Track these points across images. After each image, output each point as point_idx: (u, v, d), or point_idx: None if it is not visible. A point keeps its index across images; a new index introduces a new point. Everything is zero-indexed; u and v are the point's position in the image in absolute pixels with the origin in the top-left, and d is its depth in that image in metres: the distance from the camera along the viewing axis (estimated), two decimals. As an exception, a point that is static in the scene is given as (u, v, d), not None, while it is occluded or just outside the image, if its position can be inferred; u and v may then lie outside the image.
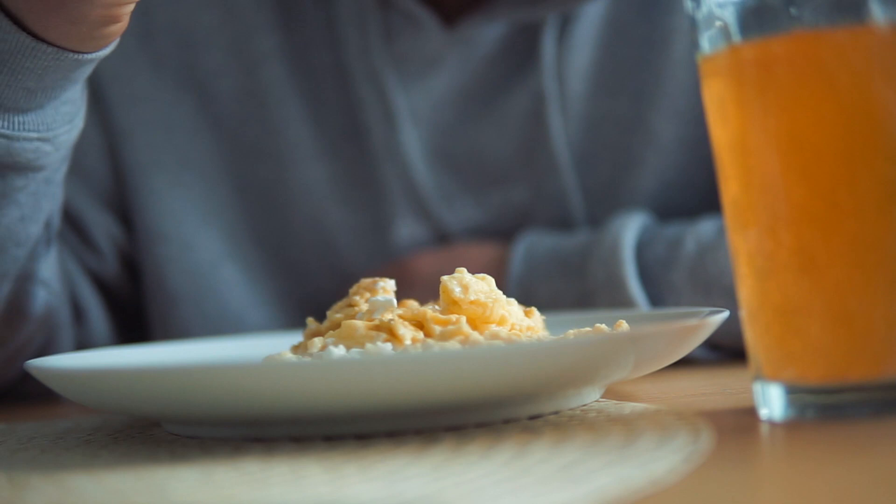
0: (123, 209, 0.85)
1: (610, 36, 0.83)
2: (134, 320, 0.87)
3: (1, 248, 0.67)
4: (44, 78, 0.58)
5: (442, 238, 0.85)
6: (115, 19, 0.56)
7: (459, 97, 0.84)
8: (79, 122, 0.65)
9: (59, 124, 0.63)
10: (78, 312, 0.82)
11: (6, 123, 0.60)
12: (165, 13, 0.85)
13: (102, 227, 0.84)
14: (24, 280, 0.70)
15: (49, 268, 0.72)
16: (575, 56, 0.82)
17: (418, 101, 0.84)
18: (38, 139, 0.62)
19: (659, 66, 0.83)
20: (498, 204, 0.85)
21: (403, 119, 0.83)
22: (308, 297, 0.86)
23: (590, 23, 0.83)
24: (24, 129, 0.61)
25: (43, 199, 0.67)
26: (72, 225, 0.83)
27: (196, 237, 0.85)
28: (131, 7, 0.56)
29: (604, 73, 0.83)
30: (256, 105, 0.85)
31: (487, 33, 0.83)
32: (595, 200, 0.83)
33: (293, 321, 0.86)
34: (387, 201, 0.84)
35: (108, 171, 0.84)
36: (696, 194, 0.83)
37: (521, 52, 0.83)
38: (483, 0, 0.82)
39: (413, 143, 0.83)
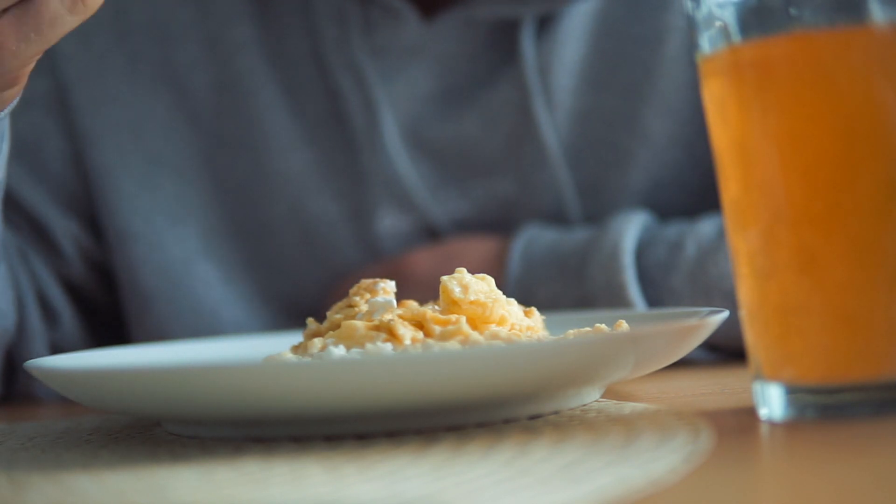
0: (91, 212, 0.85)
1: (599, 31, 0.83)
2: (108, 322, 0.87)
3: None
4: None
5: (427, 230, 0.84)
6: (14, 82, 0.57)
7: (441, 89, 0.84)
8: (4, 148, 0.66)
9: None
10: (50, 316, 0.82)
11: None
12: (142, 12, 0.86)
13: (67, 231, 0.84)
14: None
15: None
16: (561, 50, 0.82)
17: (399, 92, 0.83)
18: None
19: (651, 64, 0.82)
20: (483, 195, 0.84)
21: (384, 109, 0.82)
22: (288, 290, 0.86)
23: (577, 18, 0.82)
24: None
25: None
26: (36, 230, 0.84)
27: (166, 236, 0.84)
28: (31, 67, 0.57)
29: (592, 67, 0.83)
30: (232, 96, 0.85)
31: (468, 26, 0.83)
32: (586, 196, 0.83)
33: (272, 316, 0.86)
34: (369, 191, 0.84)
35: (74, 176, 0.84)
36: (689, 194, 0.83)
37: (505, 45, 0.82)
38: None
39: (394, 132, 0.82)
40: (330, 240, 0.85)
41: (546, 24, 0.82)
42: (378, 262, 0.84)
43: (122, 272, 0.84)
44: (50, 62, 0.84)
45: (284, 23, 0.84)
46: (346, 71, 0.83)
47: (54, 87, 0.84)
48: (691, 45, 0.81)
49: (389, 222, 0.84)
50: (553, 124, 0.82)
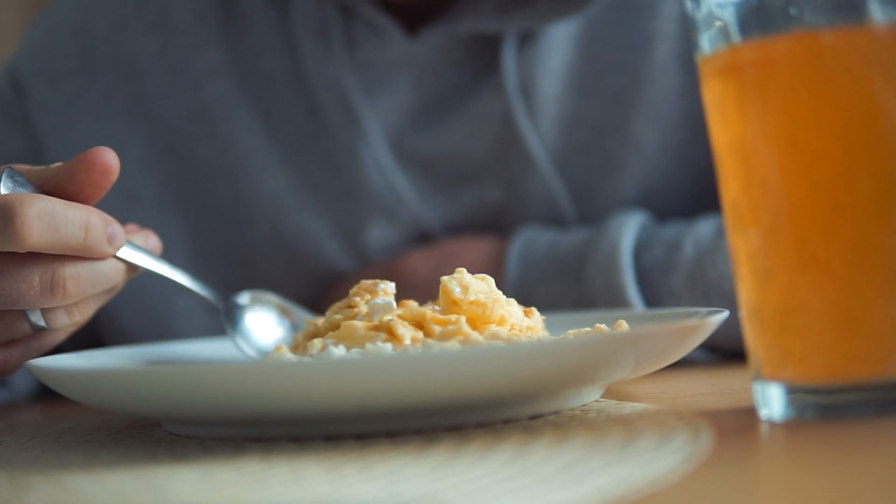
0: None
1: (586, 37, 0.82)
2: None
3: None
4: None
5: (417, 238, 0.84)
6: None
7: (424, 99, 0.83)
8: None
9: None
10: None
11: None
12: (108, 46, 0.85)
13: None
14: None
15: None
16: (546, 56, 0.81)
17: (382, 104, 0.83)
18: None
19: (639, 71, 0.82)
20: (470, 202, 0.84)
21: (368, 121, 0.82)
22: None
23: (563, 24, 0.82)
24: None
25: None
26: None
27: (144, 274, 0.84)
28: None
29: (578, 73, 0.82)
30: (204, 122, 0.84)
31: (452, 37, 0.82)
32: (579, 201, 0.83)
33: None
34: (355, 205, 0.83)
35: None
36: (679, 200, 0.83)
37: (488, 54, 0.82)
38: (446, 8, 0.82)
39: (379, 144, 0.82)
40: (317, 256, 0.84)
41: (530, 33, 0.81)
42: (373, 265, 0.84)
43: (103, 315, 0.85)
44: (22, 115, 0.84)
45: (260, 42, 0.84)
46: (327, 87, 0.82)
47: (28, 146, 0.84)
48: (684, 49, 0.82)
49: (378, 233, 0.83)
50: (537, 131, 0.82)
